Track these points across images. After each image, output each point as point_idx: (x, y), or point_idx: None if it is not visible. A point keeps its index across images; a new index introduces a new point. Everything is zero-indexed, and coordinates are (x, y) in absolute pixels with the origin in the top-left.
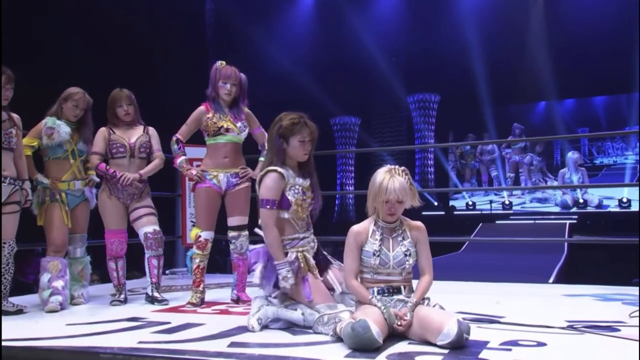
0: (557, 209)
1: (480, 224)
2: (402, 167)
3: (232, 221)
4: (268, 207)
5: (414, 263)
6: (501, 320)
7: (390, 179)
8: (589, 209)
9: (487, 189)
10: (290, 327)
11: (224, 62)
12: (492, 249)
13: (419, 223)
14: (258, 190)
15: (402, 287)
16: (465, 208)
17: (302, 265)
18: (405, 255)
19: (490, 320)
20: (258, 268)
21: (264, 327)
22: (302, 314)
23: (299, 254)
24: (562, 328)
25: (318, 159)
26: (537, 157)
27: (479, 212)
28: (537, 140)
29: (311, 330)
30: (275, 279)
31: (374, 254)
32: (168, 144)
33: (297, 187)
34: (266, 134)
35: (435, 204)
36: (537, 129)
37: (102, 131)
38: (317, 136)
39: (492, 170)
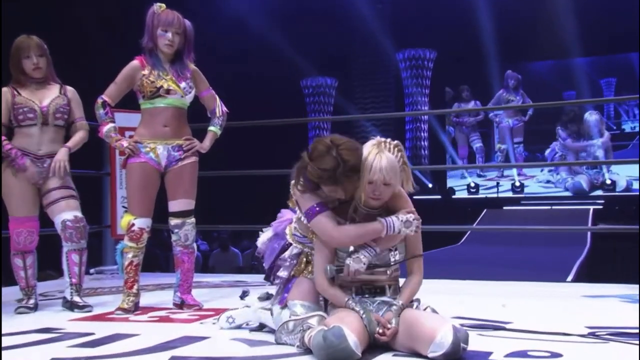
0: (568, 194)
1: (485, 210)
2: (396, 142)
3: (174, 206)
4: (318, 210)
5: (402, 259)
6: (507, 326)
7: (377, 154)
8: (618, 192)
9: (498, 165)
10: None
11: (163, 5)
12: (499, 240)
13: (409, 210)
14: (295, 203)
15: (386, 287)
16: (466, 191)
17: (299, 264)
18: (390, 250)
19: (494, 326)
20: (265, 235)
21: (237, 329)
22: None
23: (305, 251)
24: (582, 336)
25: (285, 130)
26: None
27: (483, 196)
28: (553, 105)
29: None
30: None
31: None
32: (92, 110)
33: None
34: (216, 97)
35: (430, 185)
36: (549, 90)
37: (4, 92)
38: (354, 187)
39: (475, 141)
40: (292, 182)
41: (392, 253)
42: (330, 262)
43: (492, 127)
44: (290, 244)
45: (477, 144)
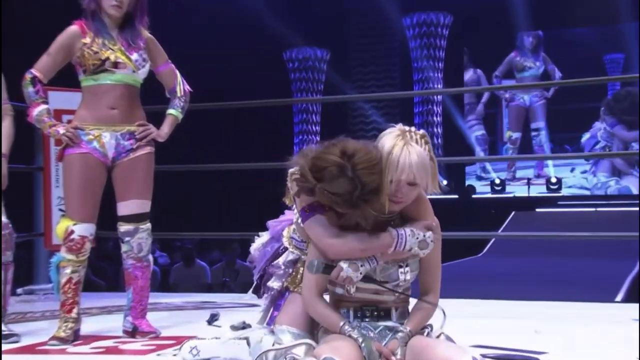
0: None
1: (513, 212)
2: (421, 131)
3: (124, 208)
4: (315, 210)
5: (415, 277)
6: (541, 357)
7: (404, 147)
8: None
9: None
10: None
11: None
12: (530, 250)
13: (428, 225)
14: (293, 199)
15: (392, 310)
16: (489, 189)
17: (294, 274)
18: (401, 266)
19: (525, 357)
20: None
21: None
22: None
23: (303, 258)
24: None
25: (264, 114)
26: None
27: (511, 196)
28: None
29: None
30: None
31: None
32: (19, 88)
33: None
34: (177, 73)
35: (444, 182)
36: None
37: None
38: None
39: (474, 127)
40: (290, 171)
41: (402, 270)
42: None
43: (500, 106)
44: (286, 249)
45: (478, 132)
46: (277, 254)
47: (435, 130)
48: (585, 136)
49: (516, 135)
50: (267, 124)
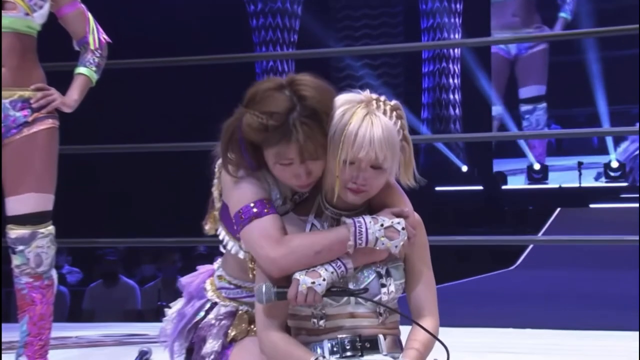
0: None
1: (558, 209)
2: (394, 102)
3: (15, 205)
4: (255, 213)
5: (401, 291)
6: None
7: (365, 117)
8: None
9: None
10: None
11: None
12: (581, 260)
13: (398, 211)
14: (222, 192)
15: (379, 339)
16: (526, 178)
17: (238, 323)
18: (381, 276)
19: None
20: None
21: None
22: None
23: (241, 309)
24: None
25: (218, 75)
26: None
27: (556, 187)
28: None
29: None
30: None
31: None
32: None
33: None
34: (89, 17)
35: (464, 168)
36: None
37: None
38: (316, 148)
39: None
40: (218, 163)
41: (383, 281)
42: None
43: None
44: (215, 304)
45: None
46: (202, 313)
47: (451, 96)
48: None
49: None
50: (219, 88)
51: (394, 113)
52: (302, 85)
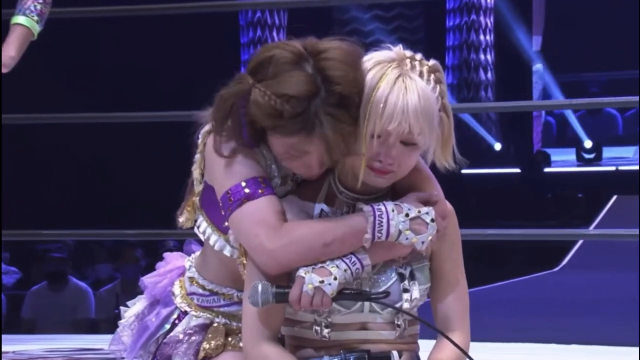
0: None
1: (615, 197)
2: (432, 62)
3: None
4: (247, 194)
5: (425, 298)
6: None
7: (396, 81)
8: None
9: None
10: None
11: None
12: None
13: (427, 196)
14: (206, 171)
15: (393, 356)
16: (575, 157)
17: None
18: (403, 279)
19: None
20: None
21: None
22: None
23: (217, 321)
24: None
25: (193, 25)
26: None
27: (612, 170)
28: None
29: None
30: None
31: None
32: None
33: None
34: None
35: (497, 146)
36: None
37: None
38: (346, 143)
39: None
40: (202, 131)
41: (405, 284)
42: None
43: None
44: (185, 313)
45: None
46: (168, 325)
47: (481, 57)
48: None
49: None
50: (194, 48)
51: (432, 76)
52: (330, 60)
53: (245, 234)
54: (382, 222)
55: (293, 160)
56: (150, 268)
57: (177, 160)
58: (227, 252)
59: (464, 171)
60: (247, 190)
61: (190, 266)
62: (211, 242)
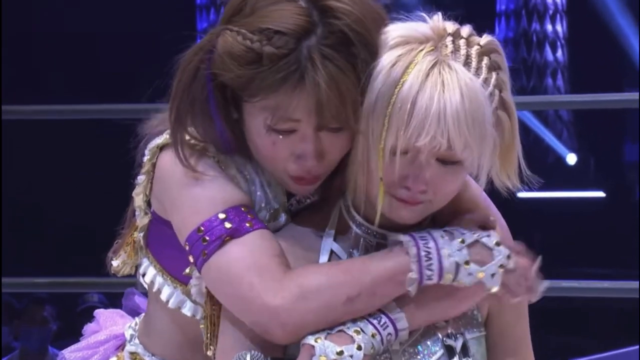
0: None
1: None
2: (485, 38)
3: None
4: (230, 230)
5: None
6: None
7: (430, 72)
8: None
9: None
10: None
11: None
12: None
13: (485, 220)
14: (158, 197)
15: None
16: None
17: None
18: (452, 354)
19: None
20: None
21: None
22: None
23: None
24: None
25: None
26: None
27: None
28: None
29: None
30: None
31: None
32: None
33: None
34: None
35: (571, 158)
36: None
37: None
38: (345, 105)
39: None
40: (150, 146)
41: None
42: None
43: None
44: None
45: None
46: None
47: (548, 28)
48: None
49: None
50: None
51: (485, 60)
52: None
53: (233, 286)
54: (430, 253)
55: (278, 147)
56: (66, 335)
57: (108, 178)
58: (186, 310)
59: (521, 195)
60: (228, 225)
61: (132, 335)
62: (163, 296)
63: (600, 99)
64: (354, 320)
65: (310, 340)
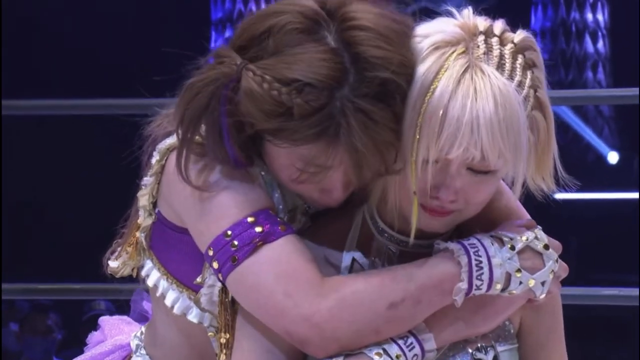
0: None
1: None
2: (519, 35)
3: None
4: (261, 234)
5: None
6: None
7: (461, 78)
8: None
9: None
10: None
11: None
12: None
13: (526, 224)
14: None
15: None
16: None
17: None
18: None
19: None
20: None
21: None
22: None
23: None
24: None
25: None
26: None
27: None
28: None
29: None
30: None
31: None
32: None
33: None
34: None
35: (613, 157)
36: None
37: None
38: (383, 157)
39: None
40: (165, 144)
41: None
42: None
43: None
44: None
45: None
46: None
47: (588, 17)
48: None
49: None
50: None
51: (520, 60)
52: (363, 29)
53: (266, 294)
54: (480, 262)
55: (304, 183)
56: (71, 344)
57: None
58: (192, 317)
59: (558, 196)
60: (258, 229)
61: (137, 346)
62: (168, 301)
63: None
64: (379, 342)
65: None
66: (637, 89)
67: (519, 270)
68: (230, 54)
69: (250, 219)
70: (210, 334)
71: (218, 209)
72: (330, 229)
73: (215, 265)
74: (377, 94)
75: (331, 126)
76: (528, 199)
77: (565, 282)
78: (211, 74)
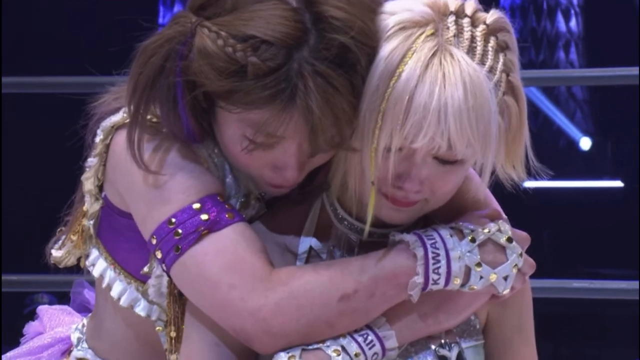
0: None
1: None
2: (492, 15)
3: None
4: (207, 222)
5: None
6: None
7: (430, 62)
8: None
9: None
10: None
11: None
12: None
13: (492, 213)
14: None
15: None
16: None
17: None
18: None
19: None
20: None
21: None
22: None
23: None
24: None
25: None
26: None
27: None
28: None
29: None
30: None
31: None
32: None
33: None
34: None
35: (585, 143)
36: None
37: None
38: (340, 128)
39: None
40: (110, 121)
41: None
42: None
43: None
44: None
45: None
46: None
47: None
48: None
49: None
50: None
51: (492, 42)
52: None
53: (211, 286)
54: (438, 255)
55: (256, 157)
56: (10, 341)
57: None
58: (140, 310)
59: (528, 185)
60: (204, 217)
61: (79, 339)
62: (114, 293)
63: (618, 74)
64: (335, 338)
65: (282, 357)
66: (611, 69)
67: (479, 264)
68: (187, 14)
69: (196, 206)
70: (158, 328)
71: (162, 193)
72: (288, 214)
73: (158, 254)
74: (337, 58)
75: (287, 88)
76: (497, 187)
77: (536, 274)
78: (165, 33)
